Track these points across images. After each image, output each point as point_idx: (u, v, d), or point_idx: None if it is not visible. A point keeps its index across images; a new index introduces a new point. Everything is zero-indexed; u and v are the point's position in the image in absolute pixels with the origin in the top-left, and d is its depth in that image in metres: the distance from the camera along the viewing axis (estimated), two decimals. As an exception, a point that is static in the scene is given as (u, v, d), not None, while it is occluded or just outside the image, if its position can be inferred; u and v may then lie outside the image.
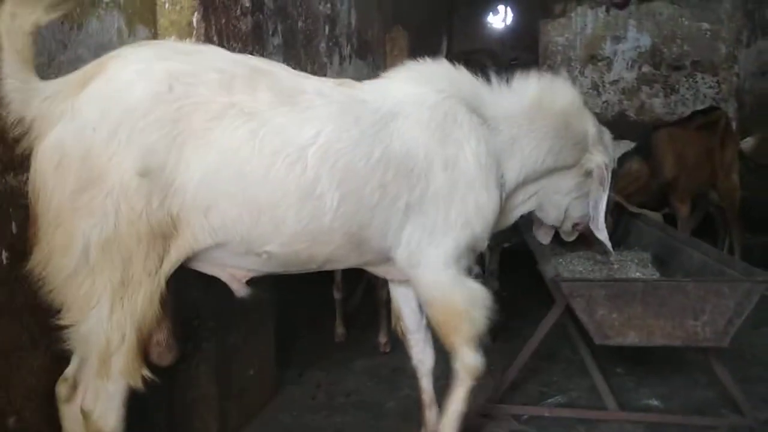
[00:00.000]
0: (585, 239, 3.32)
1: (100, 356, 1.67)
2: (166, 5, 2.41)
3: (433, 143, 2.02)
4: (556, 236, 3.37)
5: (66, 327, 1.68)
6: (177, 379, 2.56)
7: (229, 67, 1.77)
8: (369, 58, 5.83)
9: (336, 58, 4.99)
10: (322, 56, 4.62)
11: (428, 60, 2.22)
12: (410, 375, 2.62)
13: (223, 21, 2.56)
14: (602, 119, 6.55)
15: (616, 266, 3.08)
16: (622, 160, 4.20)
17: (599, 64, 6.74)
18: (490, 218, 2.16)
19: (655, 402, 2.96)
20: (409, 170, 1.97)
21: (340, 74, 4.98)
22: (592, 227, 2.58)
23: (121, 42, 2.22)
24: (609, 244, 2.59)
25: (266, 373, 3.02)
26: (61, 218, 1.60)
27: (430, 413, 2.51)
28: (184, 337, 2.55)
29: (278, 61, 3.78)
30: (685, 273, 2.88)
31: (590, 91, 6.76)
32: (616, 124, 6.44)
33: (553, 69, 6.75)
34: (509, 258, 4.34)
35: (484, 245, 2.25)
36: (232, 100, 1.72)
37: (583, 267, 3.13)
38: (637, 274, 2.99)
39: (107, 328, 1.66)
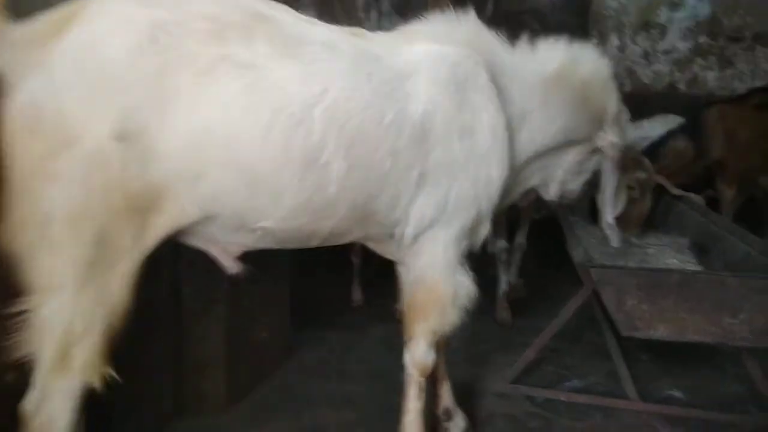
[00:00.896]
0: (622, 220, 3.16)
1: (59, 347, 1.47)
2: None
3: (451, 107, 1.84)
4: (592, 213, 3.22)
5: (21, 313, 1.47)
6: (186, 338, 2.54)
7: (222, 14, 1.57)
8: (409, 15, 5.61)
9: (374, 14, 4.79)
10: (359, 11, 4.44)
11: (454, 15, 2.03)
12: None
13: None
14: (651, 90, 6.30)
15: (651, 251, 2.91)
16: (667, 137, 3.96)
17: (652, 31, 6.33)
18: (496, 196, 2.01)
19: (677, 393, 2.83)
20: (424, 135, 1.80)
21: (377, 31, 4.80)
22: (600, 208, 2.46)
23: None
24: (615, 230, 2.49)
25: (279, 336, 2.99)
26: (28, 186, 1.43)
27: (441, 387, 2.44)
28: (195, 296, 2.52)
29: (311, 15, 3.66)
30: (726, 264, 2.70)
31: (640, 60, 6.39)
32: (665, 97, 6.11)
33: (603, 35, 6.41)
34: (537, 228, 4.17)
35: (486, 229, 2.08)
36: (225, 51, 1.52)
37: (615, 249, 2.95)
38: (674, 260, 2.82)
39: (70, 315, 1.46)
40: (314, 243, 1.88)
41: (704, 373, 3.00)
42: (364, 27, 4.46)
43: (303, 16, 1.78)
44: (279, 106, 1.57)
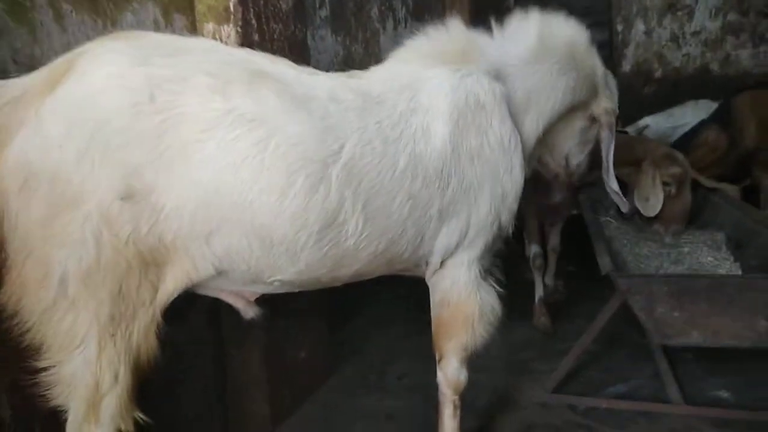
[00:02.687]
0: (664, 218, 3.11)
1: (89, 400, 1.46)
2: (203, -9, 2.35)
3: (458, 136, 1.83)
4: (621, 214, 3.17)
5: (45, 369, 1.46)
6: (229, 363, 2.62)
7: (223, 70, 1.50)
8: (426, 18, 5.60)
9: (390, 23, 4.81)
10: (375, 22, 4.46)
11: (436, 29, 2.03)
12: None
13: (262, 2, 2.47)
14: (682, 74, 6.12)
15: (686, 249, 2.85)
16: (698, 128, 3.86)
17: (679, 13, 6.17)
18: (515, 205, 2.01)
19: (725, 394, 2.76)
20: (438, 172, 1.80)
21: (394, 40, 4.81)
22: (604, 176, 2.41)
23: (159, 34, 2.18)
24: (621, 196, 2.43)
25: (318, 355, 3.04)
26: (31, 246, 1.38)
27: None
28: (234, 320, 2.60)
29: (326, 33, 3.71)
30: (763, 260, 2.63)
31: (669, 43, 6.24)
32: (698, 80, 5.96)
33: (628, 20, 6.29)
34: (573, 227, 4.10)
35: (507, 233, 2.07)
36: (229, 105, 1.46)
37: (648, 250, 2.93)
38: (710, 259, 2.77)
39: (96, 369, 1.45)
40: (338, 284, 1.88)
41: (752, 370, 2.88)
42: (380, 37, 4.53)
43: (303, 68, 1.74)
44: (295, 167, 1.52)
